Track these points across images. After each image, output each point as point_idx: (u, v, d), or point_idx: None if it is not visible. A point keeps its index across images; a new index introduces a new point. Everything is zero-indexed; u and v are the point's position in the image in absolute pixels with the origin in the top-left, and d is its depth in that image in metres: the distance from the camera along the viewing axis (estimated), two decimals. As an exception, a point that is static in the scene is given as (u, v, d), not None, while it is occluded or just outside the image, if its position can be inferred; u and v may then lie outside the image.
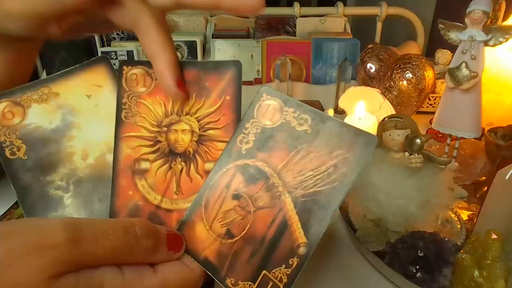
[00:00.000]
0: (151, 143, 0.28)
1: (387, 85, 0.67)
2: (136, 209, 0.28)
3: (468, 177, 0.52)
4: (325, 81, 0.85)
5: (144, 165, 0.28)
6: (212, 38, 0.85)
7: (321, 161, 0.25)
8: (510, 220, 0.37)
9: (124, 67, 0.29)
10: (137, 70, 0.29)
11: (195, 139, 0.28)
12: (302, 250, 0.24)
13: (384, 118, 0.40)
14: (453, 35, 0.46)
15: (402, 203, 0.38)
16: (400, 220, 0.39)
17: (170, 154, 0.28)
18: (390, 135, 0.39)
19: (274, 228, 0.25)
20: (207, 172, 0.27)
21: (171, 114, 0.28)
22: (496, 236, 0.35)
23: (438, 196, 0.38)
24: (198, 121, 0.28)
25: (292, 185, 0.25)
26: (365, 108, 0.62)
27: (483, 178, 0.51)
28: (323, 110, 0.74)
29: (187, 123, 0.28)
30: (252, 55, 0.83)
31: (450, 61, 0.48)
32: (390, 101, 0.62)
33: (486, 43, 0.44)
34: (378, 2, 0.97)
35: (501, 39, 0.44)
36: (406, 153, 0.38)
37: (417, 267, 0.35)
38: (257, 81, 0.84)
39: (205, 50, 0.88)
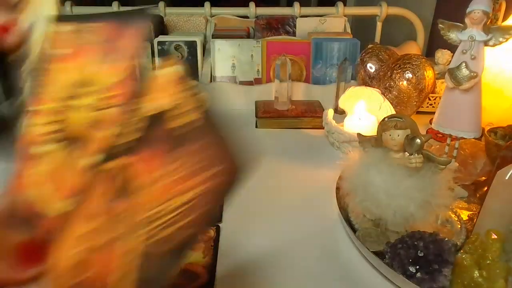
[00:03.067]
0: (54, 124, 0.23)
1: (387, 85, 0.67)
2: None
3: (468, 177, 0.52)
4: (325, 81, 0.85)
5: (44, 148, 0.23)
6: (212, 38, 0.85)
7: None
8: (510, 220, 0.37)
9: (55, 24, 0.24)
10: (68, 28, 0.24)
11: (90, 119, 0.23)
12: None
13: (384, 118, 0.40)
14: (453, 35, 0.46)
15: (402, 203, 0.38)
16: (400, 220, 0.39)
17: (69, 140, 0.23)
18: (390, 135, 0.39)
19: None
20: (87, 168, 0.23)
21: (83, 85, 0.23)
22: (496, 236, 0.35)
23: (438, 196, 0.38)
24: (100, 93, 0.23)
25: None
26: (365, 108, 0.62)
27: (483, 178, 0.51)
28: (323, 110, 0.74)
29: (91, 96, 0.23)
30: (252, 55, 0.83)
31: (450, 61, 0.48)
32: (390, 101, 0.62)
33: (486, 43, 0.44)
34: (378, 2, 0.96)
35: (501, 39, 0.44)
36: (406, 153, 0.38)
37: (417, 267, 0.35)
38: (257, 81, 0.84)
39: (205, 50, 0.88)
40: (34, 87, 0.23)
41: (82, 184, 0.22)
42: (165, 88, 0.21)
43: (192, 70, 0.84)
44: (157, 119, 0.21)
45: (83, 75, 0.23)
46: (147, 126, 0.21)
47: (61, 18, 0.24)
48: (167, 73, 0.21)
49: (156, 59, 0.82)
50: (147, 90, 0.22)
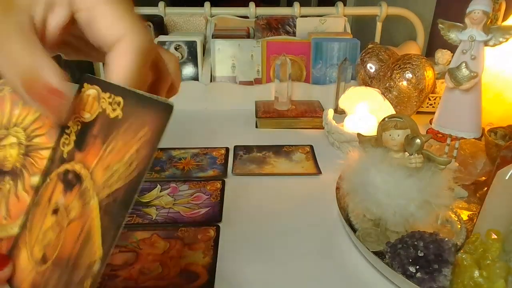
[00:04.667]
0: None
1: (387, 85, 0.67)
2: None
3: (468, 177, 0.52)
4: (325, 81, 0.85)
5: None
6: (212, 38, 0.85)
7: (127, 149, 0.20)
8: (510, 220, 0.37)
9: None
10: None
11: (22, 151, 0.26)
12: (96, 267, 0.19)
13: (384, 118, 0.40)
14: (453, 35, 0.46)
15: (402, 203, 0.38)
16: (400, 220, 0.39)
17: None
18: (390, 135, 0.39)
19: (79, 243, 0.20)
20: (33, 188, 0.24)
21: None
22: (496, 236, 0.35)
23: (438, 196, 0.38)
24: (24, 130, 0.26)
25: (99, 184, 0.21)
26: (365, 108, 0.62)
27: (483, 178, 0.51)
28: (323, 110, 0.74)
29: (14, 135, 0.26)
30: (252, 55, 0.83)
31: (450, 61, 0.48)
32: (390, 101, 0.62)
33: (486, 43, 0.44)
34: (378, 2, 0.96)
35: (501, 39, 0.44)
36: (406, 153, 0.38)
37: (417, 267, 0.35)
38: (257, 81, 0.84)
39: (205, 50, 0.88)
40: None
41: (28, 202, 0.24)
42: (88, 105, 0.23)
43: (192, 70, 0.84)
44: (85, 127, 0.22)
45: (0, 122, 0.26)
46: (79, 132, 0.22)
47: None
48: (90, 93, 0.23)
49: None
50: (70, 113, 0.23)
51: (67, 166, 0.22)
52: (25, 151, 0.25)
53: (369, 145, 0.42)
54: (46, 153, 0.25)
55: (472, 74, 0.44)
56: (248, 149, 0.63)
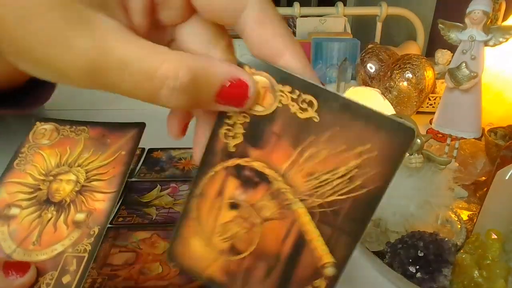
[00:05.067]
0: (31, 190, 0.28)
1: (387, 85, 0.67)
2: None
3: (468, 177, 0.52)
4: (325, 81, 0.85)
5: (14, 211, 0.28)
6: (212, 38, 0.85)
7: (339, 161, 0.19)
8: (510, 220, 0.37)
9: (37, 123, 0.32)
10: (47, 126, 0.31)
11: (76, 189, 0.28)
12: (329, 271, 0.20)
13: (384, 118, 0.40)
14: (453, 35, 0.46)
15: (402, 203, 0.38)
16: (400, 220, 0.39)
17: (45, 202, 0.28)
18: (390, 135, 0.39)
19: (290, 244, 0.21)
20: (75, 223, 0.27)
21: (63, 165, 0.29)
22: (496, 236, 0.35)
23: (438, 196, 0.38)
24: (86, 172, 0.29)
25: (303, 191, 0.20)
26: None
27: (483, 178, 0.51)
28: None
29: (74, 174, 0.29)
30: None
31: (450, 61, 0.48)
32: (390, 101, 0.62)
33: (486, 43, 0.44)
34: (378, 2, 0.97)
35: (501, 39, 0.44)
36: (406, 153, 0.38)
37: (417, 267, 0.35)
38: (257, 81, 0.84)
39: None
40: (17, 164, 0.29)
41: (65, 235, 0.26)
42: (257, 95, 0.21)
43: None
44: (260, 121, 0.20)
45: (64, 159, 0.29)
46: (249, 126, 0.21)
47: (45, 119, 0.31)
48: None
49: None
50: None
51: (239, 161, 0.21)
52: (80, 189, 0.28)
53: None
54: (100, 196, 0.27)
55: (472, 74, 0.44)
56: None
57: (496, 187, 0.38)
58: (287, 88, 0.19)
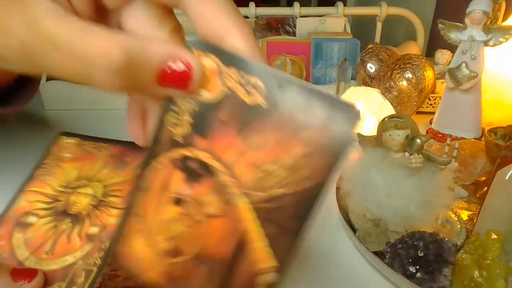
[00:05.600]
0: (50, 200, 0.29)
1: (387, 85, 0.67)
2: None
3: (468, 177, 0.52)
4: (325, 81, 0.85)
5: (31, 219, 0.28)
6: (212, 38, 0.85)
7: (285, 150, 0.17)
8: (510, 220, 0.37)
9: (61, 136, 0.33)
10: (71, 140, 0.32)
11: (93, 203, 0.29)
12: (270, 276, 0.17)
13: (384, 118, 0.40)
14: (453, 35, 0.46)
15: (402, 203, 0.38)
16: (400, 220, 0.39)
17: (62, 214, 0.28)
18: (390, 135, 0.39)
19: (232, 245, 0.18)
20: (88, 236, 0.27)
21: (83, 179, 0.30)
22: (496, 236, 0.35)
23: (438, 196, 0.38)
24: (104, 188, 0.29)
25: (248, 184, 0.18)
26: (365, 108, 0.62)
27: (483, 178, 0.51)
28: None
29: (92, 188, 0.29)
30: (252, 55, 0.83)
31: (450, 61, 0.48)
32: (390, 101, 0.62)
33: (486, 43, 0.44)
34: (378, 2, 0.97)
35: (501, 39, 0.44)
36: (406, 153, 0.38)
37: (417, 267, 0.35)
38: (257, 81, 0.84)
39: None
40: (39, 174, 0.29)
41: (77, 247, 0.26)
42: (205, 80, 0.20)
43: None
44: (207, 108, 0.19)
45: (84, 173, 0.30)
46: (197, 114, 0.19)
47: (68, 134, 0.32)
48: None
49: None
50: None
51: (184, 152, 0.19)
52: (96, 203, 0.28)
53: (369, 145, 0.42)
54: (115, 212, 0.27)
55: (472, 74, 0.44)
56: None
57: (496, 187, 0.38)
58: (234, 71, 0.18)
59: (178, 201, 0.20)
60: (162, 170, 0.20)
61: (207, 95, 0.18)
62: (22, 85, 0.40)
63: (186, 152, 0.19)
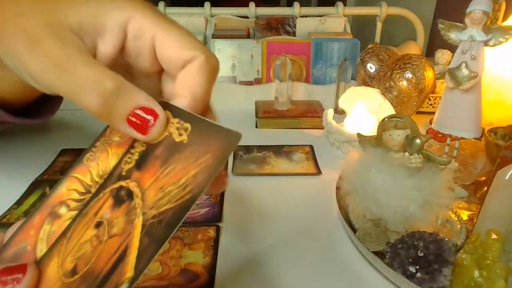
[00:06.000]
0: (84, 191, 0.26)
1: (387, 85, 0.67)
2: (22, 252, 0.24)
3: (468, 177, 0.52)
4: (325, 81, 0.85)
5: (62, 210, 0.26)
6: (212, 38, 0.85)
7: (184, 173, 0.20)
8: (510, 220, 0.37)
9: None
10: None
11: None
12: (123, 287, 0.18)
13: (384, 118, 0.40)
14: (453, 35, 0.46)
15: (402, 203, 0.38)
16: (400, 220, 0.39)
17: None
18: (390, 135, 0.39)
19: (113, 260, 0.20)
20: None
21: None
22: (496, 236, 0.35)
23: (438, 196, 0.38)
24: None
25: (149, 205, 0.20)
26: (365, 108, 0.62)
27: (483, 178, 0.51)
28: (323, 110, 0.74)
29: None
30: (252, 55, 0.83)
31: (450, 61, 0.48)
32: (390, 101, 0.62)
33: (486, 43, 0.44)
34: (378, 2, 0.97)
35: (501, 39, 0.44)
36: (406, 153, 0.38)
37: (417, 267, 0.35)
38: (257, 81, 0.84)
39: (205, 50, 0.88)
40: (86, 159, 0.26)
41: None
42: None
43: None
44: (150, 148, 0.23)
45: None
46: (143, 153, 0.23)
47: None
48: None
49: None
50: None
51: (122, 183, 0.22)
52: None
53: (369, 145, 0.42)
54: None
55: (472, 74, 0.44)
56: (248, 149, 0.63)
57: (496, 187, 0.38)
58: (176, 120, 0.22)
59: (98, 224, 0.22)
60: (102, 199, 0.23)
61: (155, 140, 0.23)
62: (47, 98, 0.45)
63: (123, 183, 0.22)
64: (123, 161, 0.23)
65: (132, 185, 0.22)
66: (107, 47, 0.23)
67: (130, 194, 0.21)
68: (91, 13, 0.23)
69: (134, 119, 0.22)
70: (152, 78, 0.26)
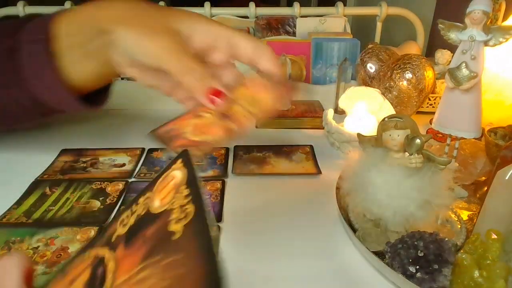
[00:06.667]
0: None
1: (387, 85, 0.67)
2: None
3: (468, 177, 0.52)
4: (325, 81, 0.85)
5: (206, 115, 0.39)
6: (212, 38, 0.85)
7: (161, 279, 0.16)
8: (510, 220, 0.37)
9: None
10: None
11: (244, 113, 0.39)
12: None
13: (384, 118, 0.40)
14: (453, 35, 0.46)
15: (402, 203, 0.38)
16: (400, 220, 0.39)
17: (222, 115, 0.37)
18: (390, 135, 0.39)
19: None
20: None
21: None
22: (496, 236, 0.35)
23: (438, 196, 0.38)
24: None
25: None
26: (365, 108, 0.62)
27: (483, 178, 0.51)
28: (323, 110, 0.74)
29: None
30: (252, 55, 0.83)
31: (450, 61, 0.48)
32: (390, 101, 0.62)
33: (486, 43, 0.44)
34: (378, 2, 0.96)
35: (501, 39, 0.44)
36: (406, 153, 0.38)
37: (417, 267, 0.35)
38: (257, 81, 0.84)
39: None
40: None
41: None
42: (165, 191, 0.19)
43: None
44: (147, 218, 0.19)
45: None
46: (139, 220, 0.19)
47: None
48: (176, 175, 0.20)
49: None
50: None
51: (107, 254, 0.19)
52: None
53: (369, 145, 0.42)
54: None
55: (472, 74, 0.44)
56: (248, 149, 0.63)
57: (496, 187, 0.38)
58: (186, 191, 0.18)
59: None
60: (83, 263, 0.20)
61: (156, 205, 0.19)
62: (101, 89, 0.51)
63: (106, 254, 0.19)
64: (122, 218, 0.20)
65: (111, 265, 0.18)
66: (195, 46, 0.41)
67: (103, 278, 0.18)
68: (186, 26, 0.40)
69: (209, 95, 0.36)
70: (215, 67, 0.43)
